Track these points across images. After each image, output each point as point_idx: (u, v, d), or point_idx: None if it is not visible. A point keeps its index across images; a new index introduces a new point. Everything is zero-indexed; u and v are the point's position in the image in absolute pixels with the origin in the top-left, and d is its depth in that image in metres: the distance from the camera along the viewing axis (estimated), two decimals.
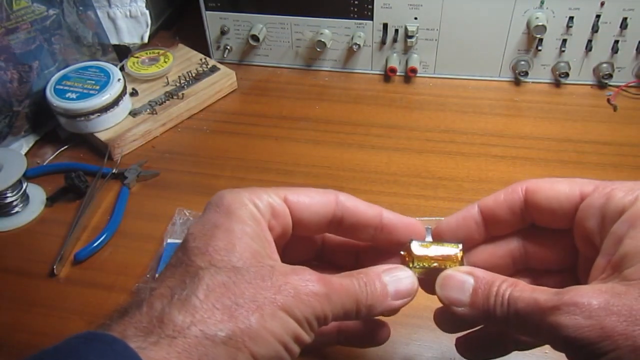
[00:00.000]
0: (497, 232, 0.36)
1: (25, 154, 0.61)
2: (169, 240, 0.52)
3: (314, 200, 0.34)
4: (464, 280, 0.31)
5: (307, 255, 0.38)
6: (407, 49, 0.71)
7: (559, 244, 0.35)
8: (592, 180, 0.32)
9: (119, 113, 0.63)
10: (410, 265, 0.34)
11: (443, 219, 0.36)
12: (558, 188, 0.33)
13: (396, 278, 0.33)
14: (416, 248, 0.34)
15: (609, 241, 0.29)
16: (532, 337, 0.32)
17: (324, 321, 0.30)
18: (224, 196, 0.32)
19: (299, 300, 0.28)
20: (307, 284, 0.29)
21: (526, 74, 0.69)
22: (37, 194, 0.58)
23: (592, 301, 0.26)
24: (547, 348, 0.31)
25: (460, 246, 0.34)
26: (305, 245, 0.38)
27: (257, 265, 0.29)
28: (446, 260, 0.34)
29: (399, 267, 0.33)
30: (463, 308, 0.31)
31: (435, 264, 0.34)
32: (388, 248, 0.37)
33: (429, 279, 0.34)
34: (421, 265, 0.34)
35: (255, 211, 0.31)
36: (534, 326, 0.28)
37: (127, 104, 0.65)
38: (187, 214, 0.54)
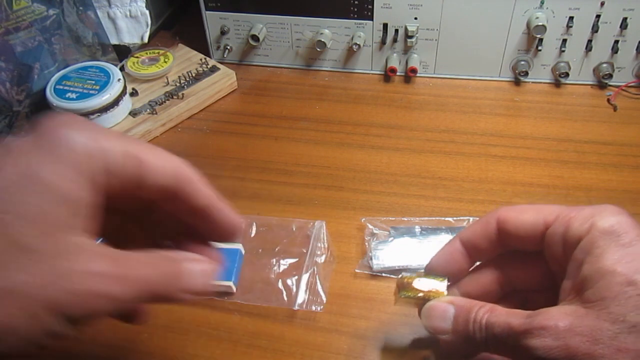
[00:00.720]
0: (480, 259, 0.39)
1: None
2: None
3: (164, 163, 0.31)
4: (445, 309, 0.34)
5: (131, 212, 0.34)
6: (407, 49, 0.71)
7: (538, 265, 0.37)
8: (556, 208, 0.34)
9: (119, 113, 0.63)
10: (397, 295, 0.38)
11: (441, 217, 0.36)
12: (524, 218, 0.35)
13: (194, 272, 0.30)
14: (404, 279, 0.37)
15: (571, 266, 0.32)
16: (511, 359, 0.33)
17: (101, 317, 0.27)
18: (58, 131, 0.27)
19: (78, 299, 0.25)
20: (100, 283, 0.25)
21: (526, 74, 0.69)
22: None
23: (558, 324, 0.29)
24: None
25: (446, 280, 0.37)
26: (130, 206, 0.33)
27: (49, 242, 0.25)
28: (431, 292, 0.37)
29: (203, 259, 0.31)
30: (447, 335, 0.34)
31: (420, 294, 0.37)
32: (209, 236, 0.34)
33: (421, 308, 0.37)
34: (408, 295, 0.37)
35: (84, 162, 0.27)
36: (510, 349, 0.31)
37: (127, 104, 0.65)
38: None
